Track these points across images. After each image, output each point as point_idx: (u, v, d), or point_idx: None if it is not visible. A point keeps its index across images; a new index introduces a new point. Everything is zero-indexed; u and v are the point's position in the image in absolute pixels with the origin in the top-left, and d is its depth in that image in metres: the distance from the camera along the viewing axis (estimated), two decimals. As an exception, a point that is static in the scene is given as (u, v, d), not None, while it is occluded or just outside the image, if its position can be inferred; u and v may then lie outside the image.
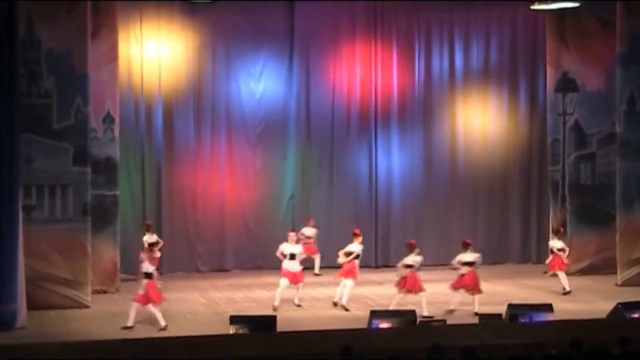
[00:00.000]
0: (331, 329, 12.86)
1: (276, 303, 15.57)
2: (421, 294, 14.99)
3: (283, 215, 20.28)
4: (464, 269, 15.32)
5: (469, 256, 15.43)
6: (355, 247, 16.08)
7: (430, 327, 12.72)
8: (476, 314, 14.57)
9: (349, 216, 20.38)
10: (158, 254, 16.32)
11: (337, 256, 16.14)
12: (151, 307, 14.40)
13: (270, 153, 20.26)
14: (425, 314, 14.56)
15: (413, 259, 15.18)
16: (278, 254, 16.01)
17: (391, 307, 14.78)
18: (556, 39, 19.44)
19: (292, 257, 15.87)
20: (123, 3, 17.98)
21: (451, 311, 15.07)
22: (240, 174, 20.17)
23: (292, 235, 16.25)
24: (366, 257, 20.43)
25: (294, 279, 15.82)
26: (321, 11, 20.11)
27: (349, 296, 15.77)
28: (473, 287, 15.25)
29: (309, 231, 19.06)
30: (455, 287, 15.32)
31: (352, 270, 15.94)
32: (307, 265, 18.61)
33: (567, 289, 17.05)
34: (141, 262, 14.68)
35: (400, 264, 15.38)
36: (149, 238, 17.56)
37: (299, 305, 15.84)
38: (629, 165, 18.28)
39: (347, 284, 15.82)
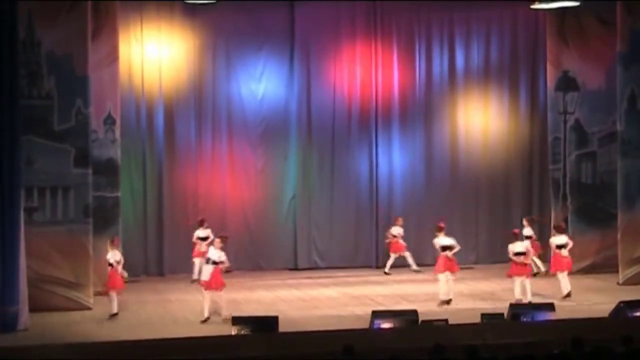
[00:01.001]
0: (333, 329, 12.84)
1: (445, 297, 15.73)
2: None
3: (284, 215, 20.28)
4: (443, 253, 16.02)
5: (445, 240, 16.07)
6: (448, 240, 16.21)
7: (432, 327, 12.72)
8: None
9: (350, 216, 20.40)
10: None
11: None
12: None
13: (272, 153, 20.26)
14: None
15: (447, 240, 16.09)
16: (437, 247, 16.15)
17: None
18: (556, 38, 19.43)
19: None
20: (123, 4, 17.98)
21: (447, 302, 15.52)
22: (241, 175, 20.17)
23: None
24: (367, 257, 20.54)
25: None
26: (321, 11, 20.11)
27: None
28: (453, 268, 16.03)
29: (397, 230, 19.51)
30: (438, 271, 16.04)
31: (452, 264, 16.17)
32: (400, 263, 19.44)
33: (564, 292, 16.37)
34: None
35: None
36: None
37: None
38: (629, 164, 18.27)
39: (450, 277, 16.06)
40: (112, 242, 15.84)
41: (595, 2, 18.50)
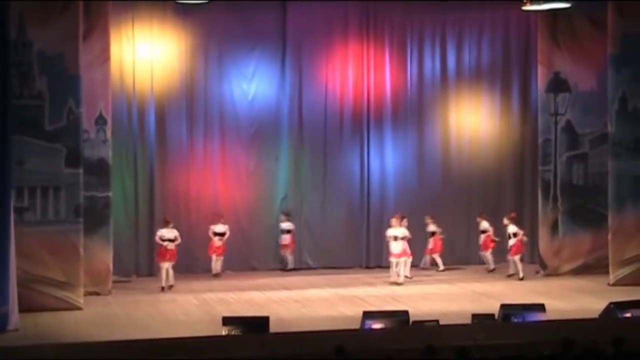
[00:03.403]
0: (324, 330, 12.84)
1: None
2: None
3: (276, 216, 20.27)
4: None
5: (398, 231, 18.48)
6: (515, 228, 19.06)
7: (423, 328, 12.73)
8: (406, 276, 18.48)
9: (342, 217, 20.40)
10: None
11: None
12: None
13: (263, 154, 20.25)
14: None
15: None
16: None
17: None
18: (548, 40, 19.47)
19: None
20: (115, 4, 17.94)
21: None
22: (233, 175, 20.16)
23: None
24: (359, 258, 20.55)
25: None
26: (314, 12, 20.11)
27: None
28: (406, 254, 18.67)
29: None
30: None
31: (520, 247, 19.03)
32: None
33: (521, 275, 18.79)
34: None
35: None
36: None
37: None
38: (621, 165, 18.32)
39: (517, 260, 18.88)
40: (165, 220, 18.04)
41: (586, 3, 18.55)
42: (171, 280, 17.87)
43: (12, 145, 14.81)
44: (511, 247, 19.12)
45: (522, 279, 18.75)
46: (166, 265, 17.84)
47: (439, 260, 19.97)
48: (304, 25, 20.21)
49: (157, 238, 18.19)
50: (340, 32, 20.49)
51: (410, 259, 18.82)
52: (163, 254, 17.97)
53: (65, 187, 16.22)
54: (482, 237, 19.84)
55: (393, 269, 18.43)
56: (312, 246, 20.44)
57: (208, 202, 19.88)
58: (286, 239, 19.89)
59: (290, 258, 20.01)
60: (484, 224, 19.81)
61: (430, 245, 19.99)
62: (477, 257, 20.51)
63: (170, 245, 17.89)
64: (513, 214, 19.53)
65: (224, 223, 19.09)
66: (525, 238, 19.22)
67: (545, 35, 19.48)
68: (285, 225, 19.87)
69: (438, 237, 19.91)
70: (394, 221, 18.64)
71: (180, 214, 19.64)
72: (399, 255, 18.45)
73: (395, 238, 18.45)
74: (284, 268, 19.90)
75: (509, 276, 19.02)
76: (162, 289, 17.67)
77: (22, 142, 15.67)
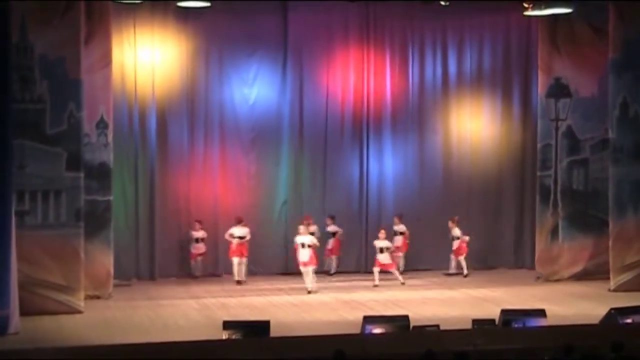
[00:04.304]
0: (324, 334, 12.84)
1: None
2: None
3: (276, 220, 20.28)
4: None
5: (305, 238, 18.33)
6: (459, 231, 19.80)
7: (423, 333, 12.71)
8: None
9: (342, 221, 20.37)
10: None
11: None
12: None
13: (264, 159, 20.26)
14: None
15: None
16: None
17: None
18: (548, 45, 19.49)
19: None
20: (117, 8, 17.95)
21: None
22: (233, 180, 20.17)
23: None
24: (358, 263, 20.54)
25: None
26: (314, 17, 20.12)
27: None
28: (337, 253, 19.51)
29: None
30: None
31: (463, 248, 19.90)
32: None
33: (465, 272, 19.63)
34: None
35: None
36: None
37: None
38: (621, 171, 18.32)
39: (462, 259, 19.85)
40: (238, 219, 18.66)
41: (587, 9, 18.59)
42: (242, 276, 18.77)
43: (13, 149, 14.82)
44: (456, 249, 19.80)
45: (466, 276, 19.54)
46: (237, 261, 18.80)
47: (463, 264, 19.93)
48: (305, 29, 20.22)
49: (227, 235, 18.93)
50: (341, 37, 20.50)
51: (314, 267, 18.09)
52: (233, 250, 18.90)
53: (66, 191, 16.22)
54: (456, 242, 19.91)
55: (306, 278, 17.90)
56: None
57: (208, 206, 19.88)
58: (330, 242, 19.91)
59: (334, 262, 20.06)
60: (456, 231, 19.90)
61: (454, 247, 20.02)
62: (476, 262, 20.56)
63: (237, 241, 18.86)
64: (456, 218, 19.88)
65: (244, 226, 19.19)
66: (467, 238, 19.83)
67: (546, 41, 19.50)
68: (331, 228, 19.92)
69: (463, 240, 19.92)
70: (302, 228, 18.05)
71: (180, 218, 19.66)
72: (306, 264, 18.00)
73: (303, 245, 17.99)
74: (328, 272, 19.80)
75: (448, 275, 19.74)
76: (238, 282, 18.70)
77: (23, 146, 15.67)
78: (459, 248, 19.95)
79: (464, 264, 19.91)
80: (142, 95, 19.40)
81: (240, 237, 18.98)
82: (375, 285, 18.62)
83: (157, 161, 19.55)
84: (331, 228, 19.93)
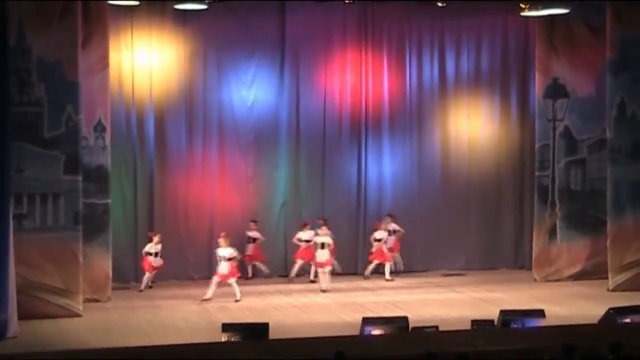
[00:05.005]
0: (323, 336, 12.84)
1: None
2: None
3: (275, 222, 20.27)
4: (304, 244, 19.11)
5: (306, 234, 18.98)
6: (227, 251, 18.20)
7: (422, 334, 12.72)
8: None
9: (341, 223, 20.37)
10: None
11: None
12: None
13: (262, 160, 20.25)
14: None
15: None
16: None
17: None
18: (546, 45, 19.50)
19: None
20: (114, 11, 17.95)
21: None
22: (231, 182, 20.16)
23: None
24: (357, 264, 20.54)
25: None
26: (312, 18, 20.11)
27: None
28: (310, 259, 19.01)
29: (379, 234, 19.65)
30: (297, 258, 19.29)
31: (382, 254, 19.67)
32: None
33: (388, 277, 19.43)
34: None
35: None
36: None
37: None
38: (619, 171, 18.34)
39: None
40: (225, 236, 17.73)
41: (584, 9, 18.59)
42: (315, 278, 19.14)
43: (11, 152, 14.81)
44: (374, 251, 19.59)
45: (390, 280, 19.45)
46: (300, 262, 19.29)
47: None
48: (303, 31, 20.21)
49: (295, 239, 19.29)
50: (339, 38, 20.50)
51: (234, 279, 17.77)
52: (297, 253, 19.36)
53: (64, 194, 16.21)
54: (393, 238, 19.72)
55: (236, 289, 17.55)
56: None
57: (207, 208, 19.87)
58: (249, 248, 19.63)
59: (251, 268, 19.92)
60: (393, 225, 19.74)
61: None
62: (474, 262, 20.60)
63: (304, 245, 19.21)
64: (389, 218, 19.81)
65: (256, 230, 19.42)
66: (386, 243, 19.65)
67: (543, 41, 19.51)
68: (252, 233, 19.64)
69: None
70: (221, 241, 17.70)
71: (179, 221, 19.64)
72: (323, 265, 18.43)
73: (322, 245, 18.50)
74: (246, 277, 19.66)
75: (366, 277, 19.66)
76: (315, 281, 18.97)
77: (21, 149, 15.67)
78: (394, 245, 19.81)
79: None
80: (139, 98, 19.40)
81: (307, 241, 19.17)
82: (366, 277, 19.53)
83: (155, 164, 19.54)
84: (252, 233, 19.63)
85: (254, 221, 19.72)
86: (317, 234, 18.79)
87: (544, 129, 19.66)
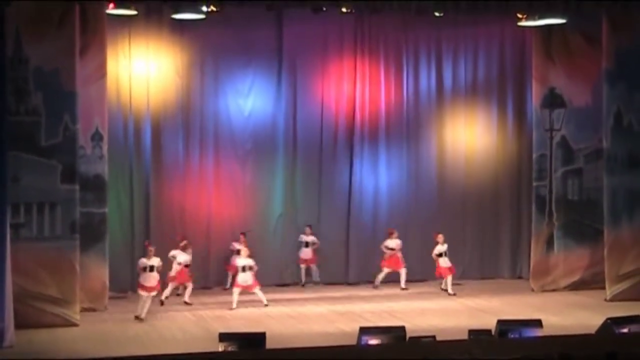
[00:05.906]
0: (320, 346, 12.81)
1: None
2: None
3: (272, 231, 20.27)
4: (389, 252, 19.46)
5: (392, 242, 19.38)
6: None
7: (419, 343, 12.68)
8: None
9: (337, 232, 20.38)
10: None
11: None
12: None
13: (259, 170, 20.26)
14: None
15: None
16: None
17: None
18: (542, 55, 19.54)
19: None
20: (111, 20, 17.95)
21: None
22: (228, 191, 20.16)
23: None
24: (354, 274, 20.52)
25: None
26: (309, 28, 20.14)
27: None
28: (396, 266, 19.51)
29: (392, 243, 19.67)
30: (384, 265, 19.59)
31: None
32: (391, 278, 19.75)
33: (377, 283, 19.68)
34: None
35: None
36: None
37: None
38: (616, 180, 18.36)
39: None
40: (183, 244, 18.07)
41: (581, 19, 18.63)
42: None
43: (8, 162, 14.82)
44: (386, 259, 19.68)
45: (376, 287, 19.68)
46: (386, 270, 19.67)
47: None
48: (300, 40, 20.25)
49: (382, 247, 19.65)
50: (336, 48, 20.54)
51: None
52: (383, 261, 19.65)
53: (61, 203, 16.21)
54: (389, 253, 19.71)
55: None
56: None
57: (203, 217, 19.87)
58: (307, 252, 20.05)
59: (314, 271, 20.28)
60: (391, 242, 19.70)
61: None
62: (472, 272, 20.59)
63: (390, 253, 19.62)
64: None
65: (312, 234, 19.87)
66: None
67: (540, 51, 19.54)
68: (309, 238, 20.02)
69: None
70: (242, 251, 18.12)
71: (175, 230, 19.60)
72: (250, 287, 17.96)
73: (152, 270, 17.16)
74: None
75: (375, 286, 19.76)
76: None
77: (18, 158, 15.67)
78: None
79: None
80: (137, 107, 19.40)
81: (392, 249, 19.50)
82: (376, 286, 19.65)
83: (152, 173, 19.54)
84: (309, 238, 19.92)
85: (309, 225, 19.94)
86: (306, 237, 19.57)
87: (541, 139, 19.68)
